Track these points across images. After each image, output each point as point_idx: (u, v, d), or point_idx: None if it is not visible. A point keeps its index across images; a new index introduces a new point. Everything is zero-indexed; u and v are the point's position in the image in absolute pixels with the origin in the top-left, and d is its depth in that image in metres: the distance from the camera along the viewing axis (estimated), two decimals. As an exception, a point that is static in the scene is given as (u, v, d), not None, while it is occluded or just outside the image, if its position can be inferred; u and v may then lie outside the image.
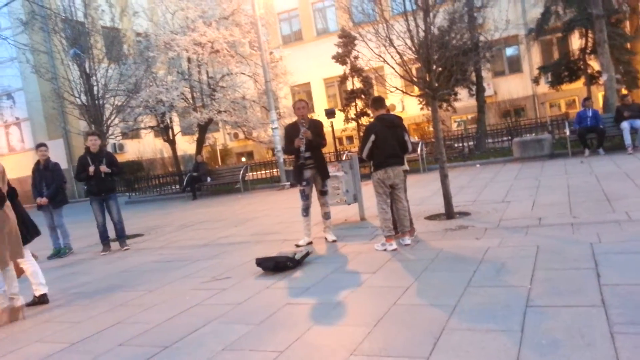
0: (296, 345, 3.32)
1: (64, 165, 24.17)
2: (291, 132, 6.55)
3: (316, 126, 6.60)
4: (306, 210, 6.59)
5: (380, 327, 3.43)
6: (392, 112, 6.50)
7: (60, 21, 10.04)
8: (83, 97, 9.74)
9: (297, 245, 6.41)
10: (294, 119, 7.10)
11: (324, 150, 6.92)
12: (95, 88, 9.63)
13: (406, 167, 6.14)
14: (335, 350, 3.16)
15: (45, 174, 8.55)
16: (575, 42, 19.93)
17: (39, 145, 8.72)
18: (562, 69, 19.16)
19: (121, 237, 8.48)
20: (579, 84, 19.45)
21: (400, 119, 6.09)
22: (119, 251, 8.31)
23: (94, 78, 9.66)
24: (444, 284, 3.90)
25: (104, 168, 8.06)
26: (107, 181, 8.21)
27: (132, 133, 22.03)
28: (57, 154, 24.06)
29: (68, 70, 9.92)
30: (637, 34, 18.58)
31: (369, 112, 5.98)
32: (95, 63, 9.74)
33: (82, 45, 9.59)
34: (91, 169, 8.05)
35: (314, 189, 6.65)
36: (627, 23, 19.06)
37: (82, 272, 7.04)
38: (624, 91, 16.43)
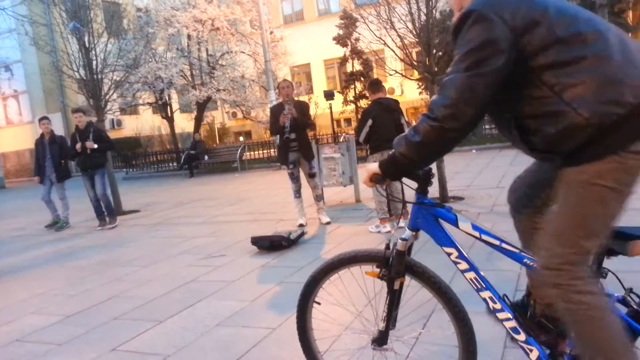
0: (288, 322, 3.39)
1: (61, 139, 24.12)
2: (276, 112, 6.52)
3: (302, 106, 6.58)
4: (297, 192, 6.62)
5: (372, 307, 3.48)
6: (390, 96, 6.50)
7: (60, -7, 9.93)
8: (82, 71, 9.67)
9: (300, 225, 6.43)
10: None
11: (322, 131, 6.92)
12: (94, 62, 9.55)
13: None
14: (327, 329, 3.22)
15: (52, 147, 8.54)
16: (578, 30, 19.81)
17: (42, 119, 8.73)
18: (563, 57, 19.07)
19: (107, 213, 8.47)
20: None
21: (397, 102, 6.10)
22: (111, 226, 8.32)
23: (93, 52, 9.58)
24: (436, 267, 3.95)
25: (89, 144, 8.08)
26: (93, 157, 8.22)
27: (130, 109, 21.93)
28: (56, 128, 23.91)
29: (67, 44, 9.82)
30: (640, 24, 18.49)
31: (368, 94, 5.99)
32: (94, 37, 9.64)
33: (81, 18, 9.48)
34: (78, 145, 8.08)
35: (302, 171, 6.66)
36: (630, 13, 18.93)
37: (79, 246, 7.09)
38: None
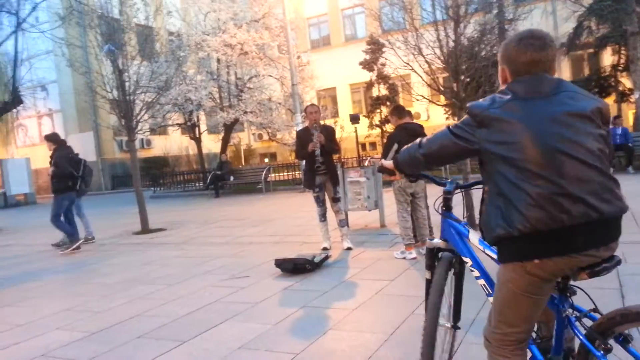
0: (311, 348, 3.35)
1: (92, 157, 24.69)
2: (303, 136, 6.53)
3: (328, 131, 6.59)
4: (323, 216, 6.59)
5: (397, 335, 3.43)
6: (414, 121, 6.49)
7: (96, 17, 10.27)
8: (115, 92, 9.94)
9: (324, 249, 6.40)
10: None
11: (347, 154, 6.95)
12: (127, 84, 9.80)
13: None
14: (350, 356, 3.18)
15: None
16: (607, 58, 19.57)
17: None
18: (592, 85, 18.82)
19: (67, 236, 8.38)
20: (610, 100, 19.05)
21: (422, 127, 6.09)
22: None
23: (126, 74, 9.84)
24: (464, 296, 3.88)
25: (49, 171, 8.27)
26: (52, 183, 8.41)
27: (159, 129, 22.41)
28: (87, 147, 24.60)
29: (101, 65, 10.12)
30: (673, 52, 18.15)
31: (390, 120, 5.99)
32: (128, 59, 9.93)
33: (116, 41, 9.79)
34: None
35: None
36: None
37: (104, 263, 7.18)
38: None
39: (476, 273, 2.24)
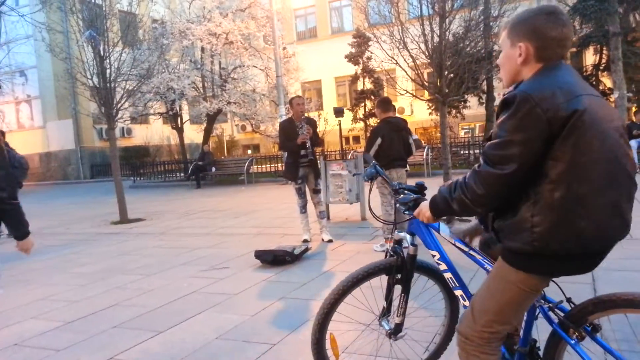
0: (288, 339, 3.35)
1: (71, 145, 24.31)
2: (287, 128, 6.48)
3: (311, 124, 6.57)
4: (304, 208, 6.59)
5: (376, 325, 3.44)
6: (398, 115, 6.51)
7: (78, 2, 10.06)
8: (95, 79, 9.77)
9: (305, 241, 6.40)
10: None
11: (330, 147, 6.95)
12: (108, 71, 9.65)
13: (406, 167, 6.19)
14: (327, 346, 3.18)
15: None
16: (589, 57, 19.86)
17: None
18: (574, 84, 19.08)
19: None
20: (591, 100, 19.37)
21: (405, 121, 6.10)
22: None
23: (108, 61, 9.68)
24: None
25: None
26: None
27: (141, 118, 22.13)
28: (66, 135, 24.22)
29: (82, 51, 9.94)
30: (653, 53, 18.49)
31: (376, 113, 6.00)
32: (109, 46, 9.76)
33: (98, 27, 9.61)
34: None
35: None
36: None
37: (83, 252, 7.09)
38: (635, 109, 16.38)
39: (443, 266, 2.22)
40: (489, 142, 1.65)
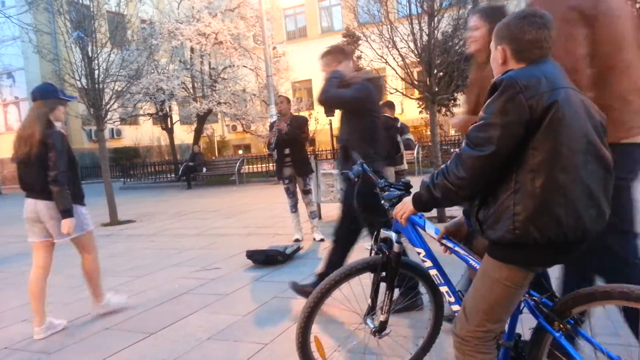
0: (280, 338, 3.35)
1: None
2: (272, 128, 6.68)
3: (298, 120, 6.57)
4: (294, 207, 6.60)
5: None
6: (387, 115, 6.53)
7: (65, 3, 9.99)
8: (83, 80, 9.70)
9: (296, 240, 6.41)
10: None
11: (322, 147, 6.95)
12: (96, 72, 9.58)
13: (404, 166, 6.19)
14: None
15: None
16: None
17: None
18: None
19: None
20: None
21: (396, 120, 6.13)
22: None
23: (96, 62, 9.62)
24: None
25: None
26: None
27: (130, 119, 21.95)
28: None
29: (70, 53, 9.86)
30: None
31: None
32: (98, 47, 9.70)
33: (85, 28, 9.54)
34: None
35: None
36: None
37: (74, 255, 7.03)
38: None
39: (428, 263, 2.26)
40: (473, 125, 1.70)
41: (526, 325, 2.04)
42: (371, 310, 2.48)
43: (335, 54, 3.87)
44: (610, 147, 1.75)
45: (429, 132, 18.05)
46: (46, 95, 3.84)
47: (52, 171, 3.62)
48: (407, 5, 7.61)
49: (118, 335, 3.66)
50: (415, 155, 14.71)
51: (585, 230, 1.67)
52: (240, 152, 28.39)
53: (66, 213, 3.68)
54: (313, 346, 2.50)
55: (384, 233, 2.42)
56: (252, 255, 5.50)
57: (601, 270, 2.28)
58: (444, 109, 19.05)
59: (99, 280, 4.26)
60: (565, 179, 1.62)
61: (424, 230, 2.26)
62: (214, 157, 23.41)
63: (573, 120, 1.64)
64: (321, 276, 3.53)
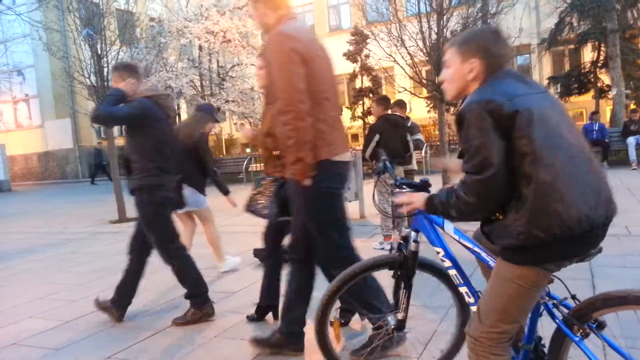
0: (288, 337, 3.34)
1: (70, 144, 24.26)
2: None
3: None
4: None
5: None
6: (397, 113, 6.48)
7: (75, 0, 10.05)
8: (93, 78, 9.76)
9: None
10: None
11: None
12: (105, 69, 9.64)
13: (414, 166, 6.15)
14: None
15: None
16: (587, 54, 19.83)
17: None
18: (572, 81, 19.09)
19: None
20: (588, 96, 19.37)
21: (404, 119, 6.09)
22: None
23: (105, 59, 9.67)
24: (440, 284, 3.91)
25: None
26: None
27: (139, 117, 22.06)
28: (64, 134, 24.17)
29: (80, 50, 9.92)
30: (650, 50, 18.52)
31: (372, 110, 5.98)
32: (107, 45, 9.75)
33: (95, 26, 9.59)
34: None
35: None
36: (642, 39, 18.98)
37: (81, 251, 7.08)
38: (633, 106, 16.38)
39: (448, 263, 2.25)
40: (464, 159, 1.76)
41: (548, 328, 2.02)
42: (394, 309, 2.48)
43: (120, 71, 3.96)
44: (325, 163, 2.14)
45: (437, 131, 18.00)
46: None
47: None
48: (416, 3, 7.59)
49: (125, 332, 3.67)
50: (423, 154, 14.64)
51: (589, 219, 1.66)
52: (248, 150, 28.42)
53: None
54: (330, 330, 2.58)
55: (404, 231, 2.42)
56: (260, 253, 5.50)
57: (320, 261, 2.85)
58: (452, 108, 18.96)
59: (220, 244, 5.44)
60: (552, 176, 1.65)
61: (443, 229, 2.26)
62: (221, 156, 23.46)
63: (544, 121, 1.69)
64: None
